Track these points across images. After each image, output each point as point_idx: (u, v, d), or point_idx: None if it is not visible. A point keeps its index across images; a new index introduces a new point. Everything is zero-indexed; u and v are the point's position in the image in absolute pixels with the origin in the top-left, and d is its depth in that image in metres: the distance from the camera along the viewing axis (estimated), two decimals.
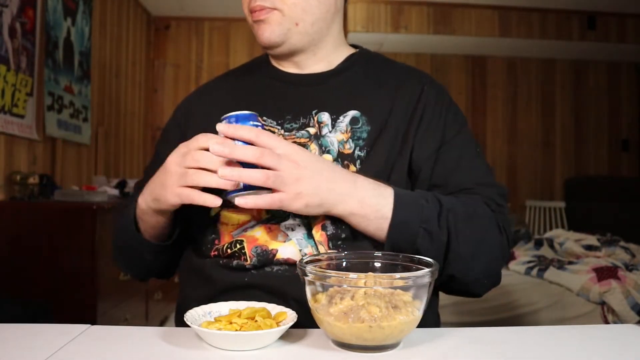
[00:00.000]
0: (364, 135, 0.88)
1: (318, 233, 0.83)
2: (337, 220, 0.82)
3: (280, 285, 0.81)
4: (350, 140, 0.88)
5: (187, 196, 0.74)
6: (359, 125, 0.89)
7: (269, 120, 0.90)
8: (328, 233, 0.82)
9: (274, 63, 0.99)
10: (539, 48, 4.77)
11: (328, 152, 0.87)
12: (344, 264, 0.73)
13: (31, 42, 2.65)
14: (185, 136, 0.91)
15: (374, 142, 0.87)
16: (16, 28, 2.50)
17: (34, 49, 2.68)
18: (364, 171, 0.84)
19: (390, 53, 4.68)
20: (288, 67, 0.97)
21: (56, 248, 2.19)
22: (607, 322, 2.11)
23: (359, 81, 0.95)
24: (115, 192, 3.00)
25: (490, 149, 5.01)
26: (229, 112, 0.77)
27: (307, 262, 0.68)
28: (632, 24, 4.56)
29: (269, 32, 0.89)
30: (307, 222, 0.84)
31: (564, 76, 5.11)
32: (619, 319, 2.09)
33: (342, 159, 0.86)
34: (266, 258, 0.83)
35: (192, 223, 0.92)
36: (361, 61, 0.98)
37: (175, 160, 0.76)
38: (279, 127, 0.90)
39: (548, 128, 5.10)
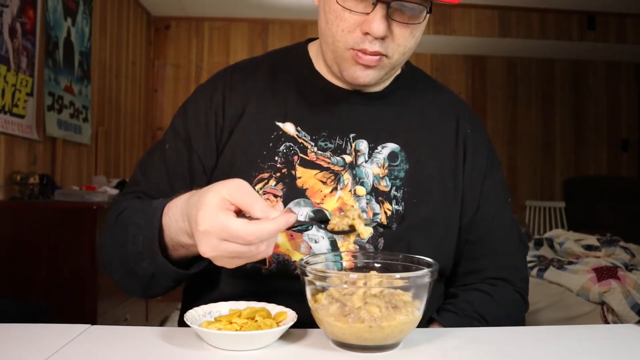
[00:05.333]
0: (402, 174, 0.86)
1: (347, 257, 0.81)
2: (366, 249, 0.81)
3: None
4: (387, 178, 0.85)
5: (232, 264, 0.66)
6: (397, 162, 0.86)
7: (304, 132, 0.86)
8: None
9: (317, 66, 0.91)
10: (538, 48, 4.77)
11: (362, 184, 0.84)
12: (344, 264, 0.73)
13: (31, 42, 2.65)
14: (222, 125, 0.87)
15: (413, 184, 0.86)
16: (16, 28, 2.50)
17: (34, 49, 2.68)
18: (411, 222, 0.83)
19: None
20: (333, 78, 0.90)
21: (56, 248, 2.19)
22: (607, 322, 2.10)
23: (403, 107, 0.91)
24: (115, 192, 2.99)
25: None
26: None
27: (307, 262, 0.67)
28: (632, 24, 4.56)
29: (371, 77, 0.83)
30: (331, 235, 0.82)
31: (563, 76, 5.11)
32: (618, 319, 2.08)
33: (377, 194, 0.84)
34: (287, 268, 0.81)
35: None
36: (407, 84, 0.94)
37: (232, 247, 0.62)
38: (312, 144, 0.85)
39: (548, 128, 5.10)
